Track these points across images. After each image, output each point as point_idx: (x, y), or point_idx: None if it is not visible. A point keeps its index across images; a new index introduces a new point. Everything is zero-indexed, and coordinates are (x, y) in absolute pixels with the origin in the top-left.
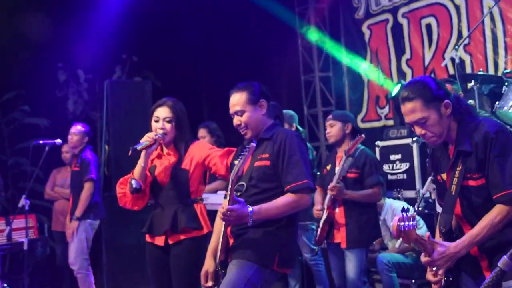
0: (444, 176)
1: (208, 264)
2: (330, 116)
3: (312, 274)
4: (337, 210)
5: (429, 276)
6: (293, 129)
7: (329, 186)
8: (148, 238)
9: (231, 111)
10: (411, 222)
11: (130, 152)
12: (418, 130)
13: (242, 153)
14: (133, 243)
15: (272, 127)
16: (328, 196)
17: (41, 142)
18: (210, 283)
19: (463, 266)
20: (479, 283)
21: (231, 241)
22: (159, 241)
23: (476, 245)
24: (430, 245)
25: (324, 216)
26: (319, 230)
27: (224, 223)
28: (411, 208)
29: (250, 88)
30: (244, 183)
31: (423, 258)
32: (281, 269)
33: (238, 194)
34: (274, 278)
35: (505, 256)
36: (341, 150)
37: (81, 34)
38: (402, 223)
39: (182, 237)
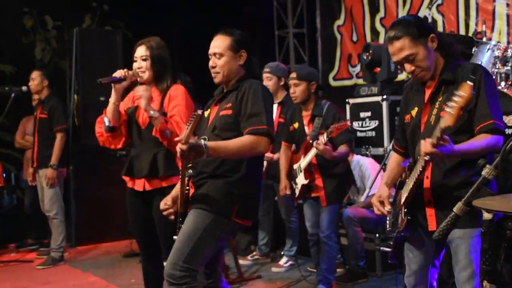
0: (414, 112)
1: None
2: (294, 75)
3: (282, 227)
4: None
5: (378, 205)
6: (282, 83)
7: (317, 146)
8: (128, 183)
9: (211, 51)
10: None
11: (98, 81)
12: (407, 67)
13: (191, 118)
14: (101, 195)
15: (242, 78)
16: (306, 160)
17: (6, 88)
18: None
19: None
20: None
21: (191, 191)
22: (139, 185)
23: (463, 157)
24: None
25: (305, 182)
26: (297, 191)
27: (183, 174)
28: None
29: (235, 35)
30: (206, 136)
31: (428, 140)
32: (240, 221)
33: None
34: (234, 229)
35: (460, 202)
36: (307, 109)
37: None
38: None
39: (163, 184)
